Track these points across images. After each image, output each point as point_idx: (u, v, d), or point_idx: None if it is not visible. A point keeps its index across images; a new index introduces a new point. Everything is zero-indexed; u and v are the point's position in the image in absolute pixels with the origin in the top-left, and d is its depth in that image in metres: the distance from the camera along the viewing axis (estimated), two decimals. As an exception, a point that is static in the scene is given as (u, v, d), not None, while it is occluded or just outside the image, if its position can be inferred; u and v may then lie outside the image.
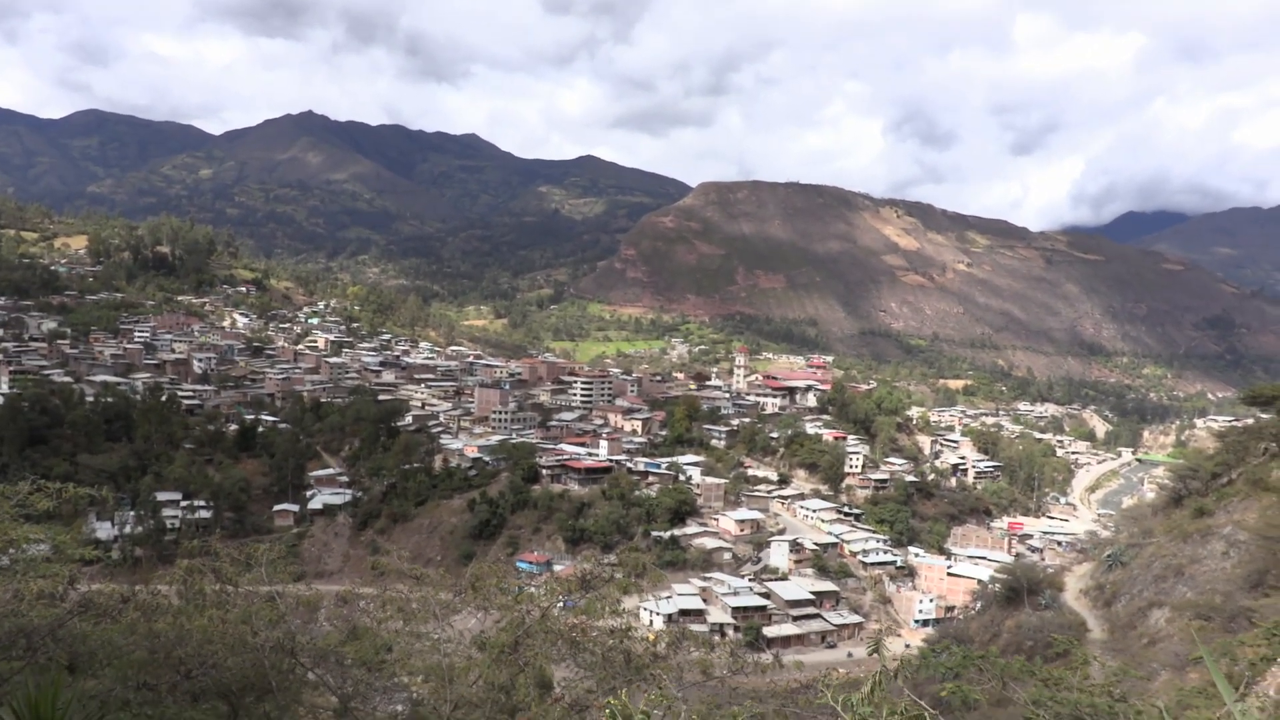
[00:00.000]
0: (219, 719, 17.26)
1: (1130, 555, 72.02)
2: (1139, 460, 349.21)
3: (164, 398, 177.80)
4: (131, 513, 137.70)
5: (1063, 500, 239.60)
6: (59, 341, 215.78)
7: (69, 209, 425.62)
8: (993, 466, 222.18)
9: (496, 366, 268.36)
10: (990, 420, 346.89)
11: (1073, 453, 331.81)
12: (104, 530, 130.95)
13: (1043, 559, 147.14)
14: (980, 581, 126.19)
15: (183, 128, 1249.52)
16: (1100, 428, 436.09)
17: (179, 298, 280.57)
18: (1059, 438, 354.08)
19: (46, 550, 19.08)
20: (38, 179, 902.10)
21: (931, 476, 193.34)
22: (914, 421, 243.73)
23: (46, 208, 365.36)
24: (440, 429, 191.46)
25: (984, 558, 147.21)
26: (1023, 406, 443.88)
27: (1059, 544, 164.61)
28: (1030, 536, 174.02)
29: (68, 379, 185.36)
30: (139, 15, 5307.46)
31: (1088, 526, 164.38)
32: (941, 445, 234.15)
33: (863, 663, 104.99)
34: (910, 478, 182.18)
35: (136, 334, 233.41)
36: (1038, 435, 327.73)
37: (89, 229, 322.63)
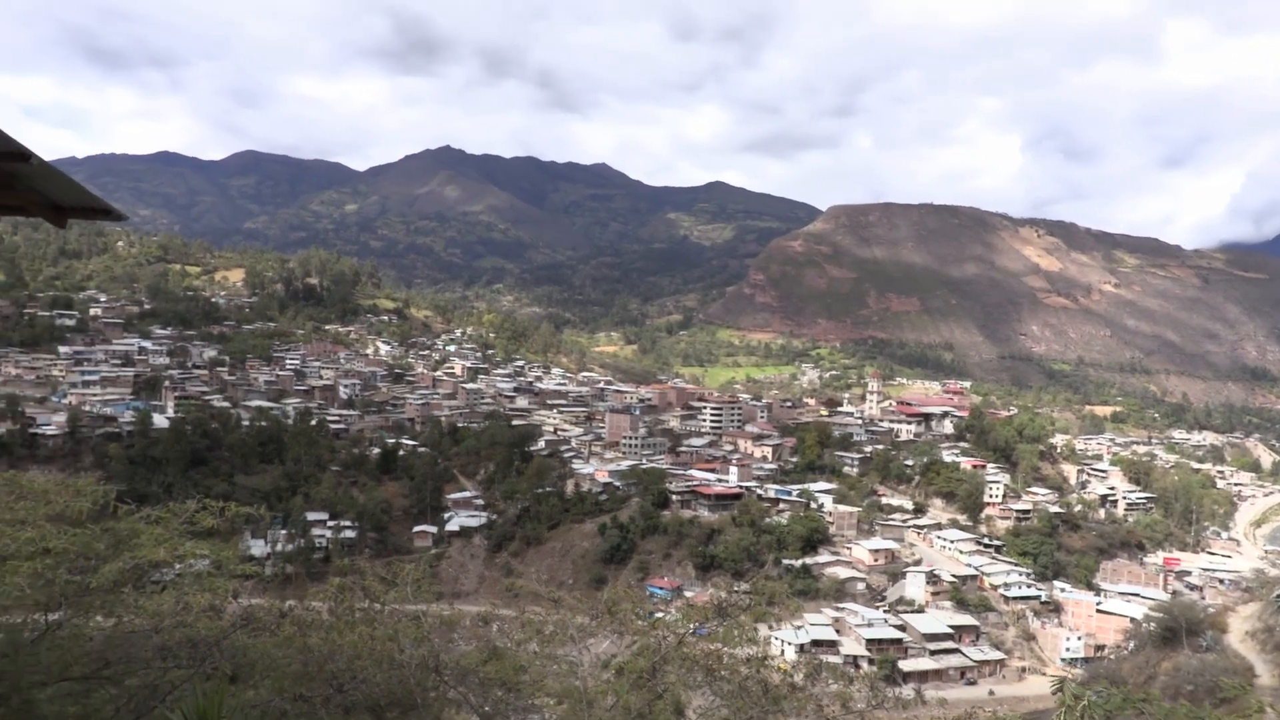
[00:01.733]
0: (367, 733, 17.79)
1: (1305, 596, 66.75)
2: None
3: (313, 422, 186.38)
4: (283, 531, 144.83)
5: (1224, 535, 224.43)
6: (218, 368, 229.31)
7: (228, 244, 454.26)
8: (1145, 498, 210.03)
9: (627, 392, 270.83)
10: (1142, 449, 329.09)
11: (1235, 484, 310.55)
12: (257, 547, 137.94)
13: (1203, 598, 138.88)
14: (1133, 620, 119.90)
15: (330, 165, 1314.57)
16: (1267, 458, 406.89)
17: (326, 326, 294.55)
18: (1219, 468, 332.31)
19: (208, 565, 20.18)
20: (200, 216, 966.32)
21: (1078, 507, 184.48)
22: (1058, 450, 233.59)
23: (208, 243, 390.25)
24: (572, 454, 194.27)
25: (1137, 594, 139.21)
26: (1178, 435, 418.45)
27: (1221, 582, 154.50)
28: (1188, 573, 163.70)
29: (226, 404, 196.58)
30: (288, 60, 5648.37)
31: (1253, 564, 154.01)
32: (1088, 475, 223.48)
33: (1005, 701, 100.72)
34: (1055, 508, 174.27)
35: (288, 361, 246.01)
36: (1195, 465, 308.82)
37: (245, 263, 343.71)
